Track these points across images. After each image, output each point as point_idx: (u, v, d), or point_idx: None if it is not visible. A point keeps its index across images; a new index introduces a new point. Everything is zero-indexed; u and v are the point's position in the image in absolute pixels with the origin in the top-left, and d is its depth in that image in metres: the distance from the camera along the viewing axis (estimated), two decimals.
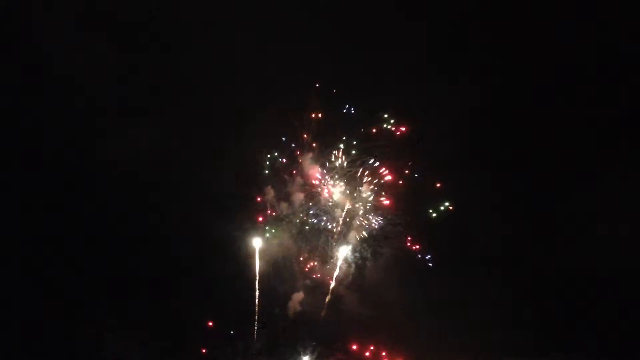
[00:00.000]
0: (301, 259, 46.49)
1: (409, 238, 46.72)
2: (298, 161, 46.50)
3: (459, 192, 46.22)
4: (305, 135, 46.19)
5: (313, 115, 45.97)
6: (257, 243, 44.71)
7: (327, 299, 45.68)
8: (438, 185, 46.24)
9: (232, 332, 44.04)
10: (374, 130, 46.04)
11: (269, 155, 46.39)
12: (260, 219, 46.25)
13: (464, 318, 45.22)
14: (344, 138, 46.23)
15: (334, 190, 46.42)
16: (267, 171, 46.42)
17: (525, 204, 47.00)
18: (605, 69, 44.76)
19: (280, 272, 45.83)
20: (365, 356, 45.05)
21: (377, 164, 46.21)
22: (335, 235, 46.41)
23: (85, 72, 42.50)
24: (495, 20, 45.20)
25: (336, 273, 45.86)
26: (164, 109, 44.41)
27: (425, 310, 45.46)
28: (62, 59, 42.32)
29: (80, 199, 43.14)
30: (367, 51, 45.33)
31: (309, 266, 46.46)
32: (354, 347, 45.05)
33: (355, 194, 46.46)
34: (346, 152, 46.35)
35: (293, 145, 46.43)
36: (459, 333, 45.07)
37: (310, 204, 46.48)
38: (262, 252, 44.93)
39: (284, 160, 46.52)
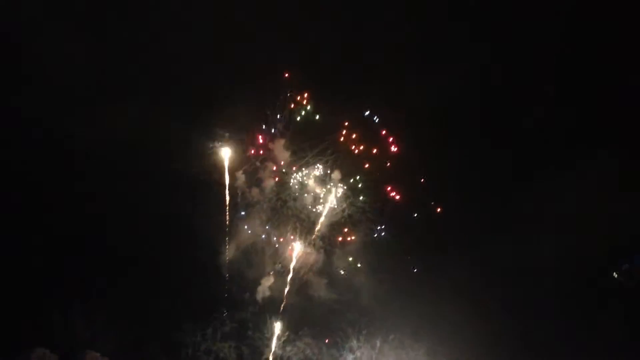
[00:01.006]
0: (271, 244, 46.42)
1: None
2: (269, 148, 45.10)
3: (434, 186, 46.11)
4: (277, 123, 44.70)
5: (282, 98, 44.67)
6: (225, 153, 43.96)
7: (293, 284, 46.04)
8: (422, 180, 46.40)
9: (200, 317, 44.77)
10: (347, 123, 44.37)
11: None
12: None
13: (432, 305, 45.84)
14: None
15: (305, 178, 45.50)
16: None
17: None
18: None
19: (250, 257, 45.93)
20: (333, 341, 46.14)
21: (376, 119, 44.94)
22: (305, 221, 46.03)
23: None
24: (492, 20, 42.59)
25: (311, 259, 46.00)
26: (136, 98, 42.64)
27: (392, 296, 46.13)
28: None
29: (54, 186, 42.72)
30: (351, 46, 44.13)
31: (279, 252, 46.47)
32: (322, 331, 46.07)
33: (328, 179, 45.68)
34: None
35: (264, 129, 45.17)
36: (427, 318, 45.77)
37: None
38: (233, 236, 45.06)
39: (255, 147, 45.20)
